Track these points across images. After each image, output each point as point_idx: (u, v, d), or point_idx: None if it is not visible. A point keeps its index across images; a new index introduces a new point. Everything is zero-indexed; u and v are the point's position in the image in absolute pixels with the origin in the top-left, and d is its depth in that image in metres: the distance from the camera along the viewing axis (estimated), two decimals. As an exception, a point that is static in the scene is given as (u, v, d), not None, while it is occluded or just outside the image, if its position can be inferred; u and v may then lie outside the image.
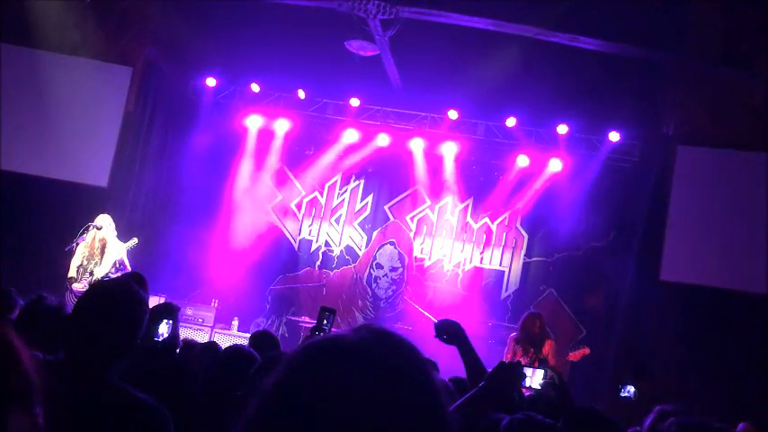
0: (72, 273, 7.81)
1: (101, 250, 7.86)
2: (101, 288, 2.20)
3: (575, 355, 7.29)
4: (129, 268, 8.02)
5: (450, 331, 3.16)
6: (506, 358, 6.88)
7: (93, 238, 7.87)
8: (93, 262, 7.81)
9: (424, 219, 11.14)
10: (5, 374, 1.11)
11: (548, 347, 7.03)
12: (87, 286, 7.70)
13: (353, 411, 0.92)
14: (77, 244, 7.83)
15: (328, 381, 0.95)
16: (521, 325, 7.22)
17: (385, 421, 0.93)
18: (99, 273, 7.81)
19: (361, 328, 1.04)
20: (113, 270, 7.92)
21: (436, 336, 3.19)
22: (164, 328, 3.80)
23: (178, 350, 4.19)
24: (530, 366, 4.58)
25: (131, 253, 8.29)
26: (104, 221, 7.94)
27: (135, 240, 8.12)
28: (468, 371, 3.06)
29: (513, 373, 2.73)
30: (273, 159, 11.45)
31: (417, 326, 10.35)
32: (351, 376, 0.95)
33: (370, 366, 0.97)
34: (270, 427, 0.95)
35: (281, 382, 0.98)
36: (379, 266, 11.09)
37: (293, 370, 0.99)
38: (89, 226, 7.89)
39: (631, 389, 6.17)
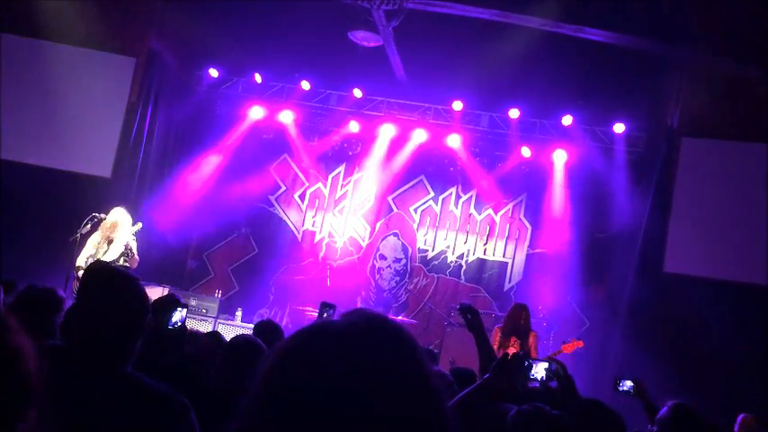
0: (80, 262, 7.74)
1: (109, 240, 7.83)
2: (96, 270, 2.13)
3: (568, 348, 7.29)
4: (135, 253, 7.99)
5: (473, 313, 3.20)
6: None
7: (103, 229, 7.82)
8: (102, 251, 7.80)
9: (428, 210, 11.13)
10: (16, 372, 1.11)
11: (532, 339, 7.13)
12: None
13: (345, 397, 0.91)
14: (81, 235, 7.80)
15: (319, 366, 0.94)
16: (507, 315, 7.33)
17: (377, 407, 0.92)
18: (106, 259, 7.78)
19: (352, 313, 1.03)
20: (122, 257, 7.90)
21: (460, 313, 3.23)
22: (178, 316, 3.85)
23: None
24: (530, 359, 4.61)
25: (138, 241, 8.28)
26: (118, 215, 7.86)
27: (140, 225, 8.10)
28: (482, 361, 3.09)
29: (518, 364, 2.74)
30: (276, 150, 11.45)
31: (420, 317, 10.39)
32: (341, 361, 0.94)
33: (361, 351, 0.96)
34: (263, 415, 0.95)
35: (272, 370, 0.98)
36: (383, 258, 11.10)
37: (284, 357, 0.98)
38: (93, 217, 7.86)
39: (629, 383, 6.14)
